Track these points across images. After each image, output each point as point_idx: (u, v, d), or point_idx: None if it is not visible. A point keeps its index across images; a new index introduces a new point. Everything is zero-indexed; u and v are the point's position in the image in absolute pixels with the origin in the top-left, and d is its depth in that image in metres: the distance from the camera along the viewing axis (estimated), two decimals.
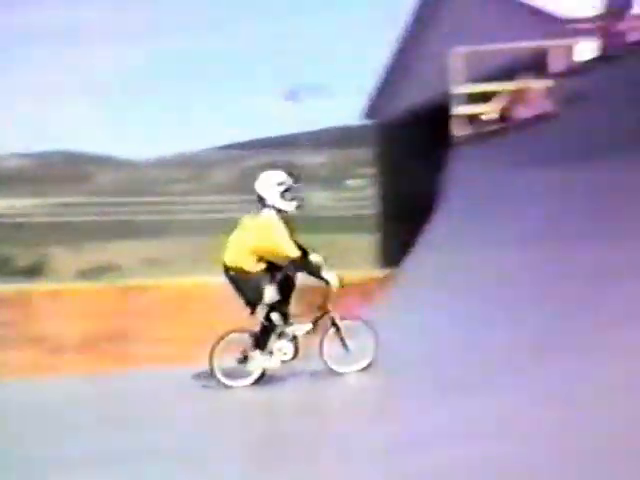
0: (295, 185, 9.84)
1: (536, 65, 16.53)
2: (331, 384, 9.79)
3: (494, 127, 15.96)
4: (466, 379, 8.65)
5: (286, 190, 9.79)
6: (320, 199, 21.87)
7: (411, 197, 18.21)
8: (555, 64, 16.23)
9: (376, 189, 22.12)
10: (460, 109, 16.79)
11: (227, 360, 9.96)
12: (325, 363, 9.98)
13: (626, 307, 8.71)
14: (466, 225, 14.49)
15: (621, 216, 10.95)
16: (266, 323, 9.94)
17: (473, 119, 16.66)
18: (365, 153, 22.37)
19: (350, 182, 22.74)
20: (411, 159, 20.80)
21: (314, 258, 10.02)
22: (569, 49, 16.90)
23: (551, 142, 13.86)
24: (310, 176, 22.68)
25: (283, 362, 10.01)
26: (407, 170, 21.00)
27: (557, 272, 10.78)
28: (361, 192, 22.37)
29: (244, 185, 20.05)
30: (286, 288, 9.98)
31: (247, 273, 9.84)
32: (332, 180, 22.40)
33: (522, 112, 15.43)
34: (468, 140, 16.39)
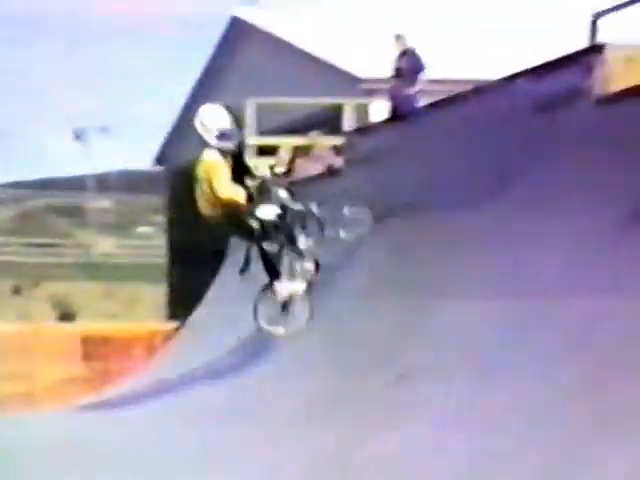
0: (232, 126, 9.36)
1: (329, 122, 16.70)
2: None
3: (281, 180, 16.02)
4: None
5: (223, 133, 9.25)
6: (106, 245, 21.29)
7: (202, 246, 18.01)
8: (348, 122, 16.43)
9: (166, 237, 21.82)
10: (252, 161, 16.71)
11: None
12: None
13: None
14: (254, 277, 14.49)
15: (399, 274, 11.15)
16: (269, 248, 9.25)
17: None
18: (156, 199, 22.03)
19: (139, 229, 22.32)
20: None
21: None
22: (363, 108, 17.16)
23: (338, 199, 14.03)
24: (96, 221, 22.11)
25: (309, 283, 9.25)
26: (198, 218, 20.78)
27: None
28: (150, 240, 21.95)
29: (26, 227, 19.33)
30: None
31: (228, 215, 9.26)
32: (119, 226, 21.92)
33: (310, 167, 15.53)
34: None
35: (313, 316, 9.14)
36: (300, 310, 9.23)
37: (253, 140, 16.73)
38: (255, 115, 16.84)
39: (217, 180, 9.08)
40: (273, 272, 9.28)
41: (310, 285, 9.26)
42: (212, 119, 9.31)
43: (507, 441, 7.71)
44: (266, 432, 9.98)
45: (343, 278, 12.24)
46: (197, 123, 9.25)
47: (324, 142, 15.89)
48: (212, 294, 15.31)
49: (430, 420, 8.66)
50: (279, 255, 9.32)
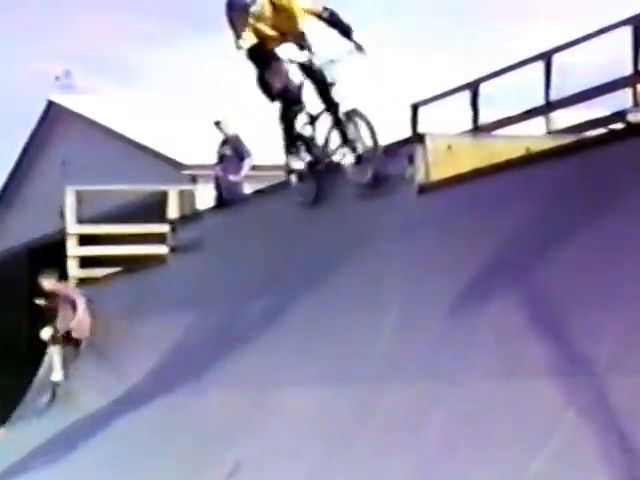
0: None
1: (154, 209, 16.57)
2: None
3: (109, 271, 15.79)
4: None
5: None
6: None
7: (20, 345, 17.57)
8: (173, 209, 16.33)
9: None
10: (73, 250, 16.39)
11: None
12: None
13: None
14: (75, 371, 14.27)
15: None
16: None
17: (86, 261, 16.35)
18: None
19: None
20: (22, 298, 20.09)
21: None
22: (189, 195, 17.11)
23: (163, 287, 13.95)
24: None
25: None
26: (17, 310, 20.31)
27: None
28: None
29: None
30: None
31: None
32: None
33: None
34: (81, 283, 16.06)
35: None
36: None
37: (74, 229, 16.40)
38: (75, 203, 16.53)
39: None
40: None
41: None
42: None
43: None
44: None
45: None
46: None
47: (151, 230, 15.79)
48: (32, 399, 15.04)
49: None
50: None
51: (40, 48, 38.80)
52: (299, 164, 10.86)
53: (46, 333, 14.26)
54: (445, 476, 7.53)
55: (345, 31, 10.00)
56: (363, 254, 10.05)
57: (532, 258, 8.17)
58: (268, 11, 10.01)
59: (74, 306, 13.94)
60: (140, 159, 19.38)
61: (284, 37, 10.15)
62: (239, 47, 10.04)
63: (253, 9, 9.96)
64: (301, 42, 10.16)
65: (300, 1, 10.10)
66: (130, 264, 15.52)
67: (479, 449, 7.45)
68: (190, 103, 20.95)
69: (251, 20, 9.97)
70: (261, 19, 10.00)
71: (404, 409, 8.48)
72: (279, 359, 10.46)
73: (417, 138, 10.39)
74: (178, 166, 18.72)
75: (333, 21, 10.03)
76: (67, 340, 13.97)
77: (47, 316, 14.35)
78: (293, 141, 10.67)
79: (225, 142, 14.79)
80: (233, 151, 14.66)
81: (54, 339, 14.05)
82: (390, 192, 10.07)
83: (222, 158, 14.82)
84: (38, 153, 23.33)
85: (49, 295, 14.19)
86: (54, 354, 14.12)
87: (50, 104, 22.70)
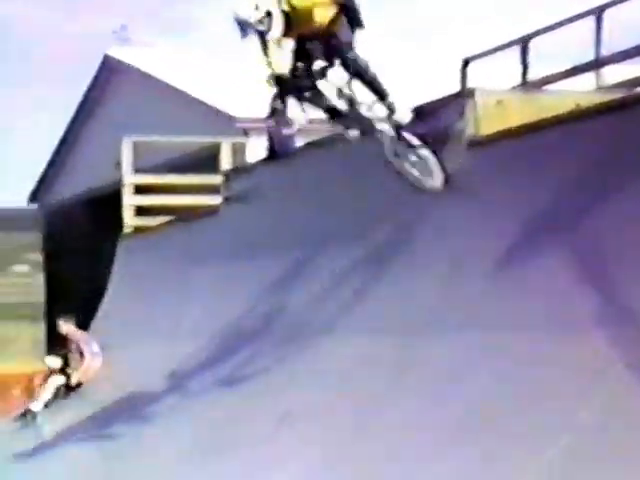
0: None
1: (207, 161, 16.80)
2: None
3: (163, 219, 16.07)
4: None
5: None
6: None
7: (80, 285, 17.95)
8: (226, 161, 16.55)
9: (43, 275, 21.64)
10: (129, 199, 16.75)
11: None
12: None
13: None
14: (132, 316, 14.50)
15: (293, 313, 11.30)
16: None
17: (142, 210, 16.68)
18: (31, 238, 21.83)
19: (15, 267, 22.08)
20: (81, 246, 20.53)
21: None
22: (241, 147, 17.31)
23: (215, 237, 14.14)
24: None
25: None
26: (77, 257, 20.71)
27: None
28: (27, 278, 21.76)
29: None
30: None
31: None
32: None
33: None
34: (137, 231, 16.40)
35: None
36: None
37: (132, 178, 16.77)
38: (131, 154, 16.87)
39: None
40: None
41: None
42: None
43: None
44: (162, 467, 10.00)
45: None
46: None
47: (205, 181, 16.01)
48: (92, 330, 15.27)
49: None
50: None
51: (97, 2, 39.02)
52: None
53: (54, 362, 13.85)
54: (491, 425, 7.64)
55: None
56: (413, 207, 10.14)
57: (581, 212, 8.25)
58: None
59: (82, 355, 13.69)
60: (194, 112, 19.58)
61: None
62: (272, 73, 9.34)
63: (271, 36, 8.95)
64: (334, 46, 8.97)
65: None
66: (184, 214, 15.80)
67: (526, 400, 7.56)
68: (244, 56, 21.06)
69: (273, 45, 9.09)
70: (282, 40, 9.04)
71: (450, 360, 8.60)
72: (329, 308, 10.65)
73: (467, 93, 10.47)
74: (231, 119, 18.91)
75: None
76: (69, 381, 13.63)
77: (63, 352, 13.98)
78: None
79: (278, 96, 14.93)
80: (285, 105, 14.79)
81: (60, 371, 13.59)
82: (440, 146, 10.14)
83: (274, 112, 14.95)
84: (96, 106, 23.65)
85: (65, 337, 14.02)
86: (50, 384, 13.59)
87: (107, 58, 22.99)
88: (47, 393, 13.31)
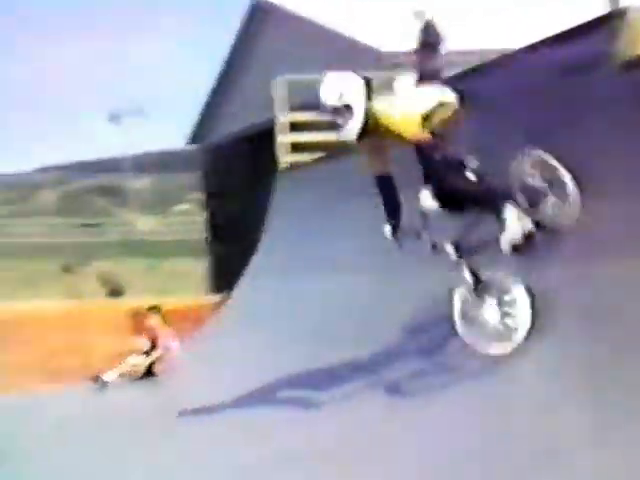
0: None
1: None
2: None
3: (319, 155, 16.38)
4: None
5: None
6: (147, 223, 21.74)
7: (240, 221, 18.49)
8: None
9: (204, 213, 22.32)
10: (284, 137, 17.16)
11: None
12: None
13: None
14: (295, 251, 14.81)
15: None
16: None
17: (296, 147, 17.07)
18: (191, 177, 22.52)
19: (177, 206, 22.80)
20: (239, 184, 21.07)
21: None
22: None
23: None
24: (136, 200, 22.55)
25: None
26: (235, 195, 21.26)
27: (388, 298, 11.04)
28: (189, 216, 22.47)
29: (70, 208, 19.78)
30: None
31: None
32: (158, 204, 22.31)
33: None
34: (292, 167, 16.79)
35: None
36: None
37: (285, 117, 17.15)
38: (285, 93, 17.25)
39: None
40: None
41: None
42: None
43: None
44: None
45: None
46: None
47: None
48: (255, 266, 15.74)
49: None
50: None
51: None
52: None
53: (142, 342, 14.30)
54: None
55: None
56: (566, 133, 10.08)
57: None
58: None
59: (154, 347, 14.18)
60: (343, 48, 19.82)
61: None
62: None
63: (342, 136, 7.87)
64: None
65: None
66: (336, 150, 16.07)
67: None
68: None
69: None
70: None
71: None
72: None
73: (619, 13, 10.26)
74: (378, 54, 19.08)
75: None
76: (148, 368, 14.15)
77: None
78: None
79: (423, 29, 15.04)
80: (431, 38, 14.90)
81: (144, 352, 14.11)
82: (591, 70, 9.97)
83: (421, 45, 15.08)
84: (248, 46, 24.13)
85: (150, 328, 14.51)
86: (130, 361, 14.05)
87: None
88: (122, 367, 13.95)
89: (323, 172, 15.46)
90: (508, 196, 7.30)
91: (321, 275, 13.16)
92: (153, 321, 14.41)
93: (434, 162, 7.38)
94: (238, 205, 20.29)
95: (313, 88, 18.82)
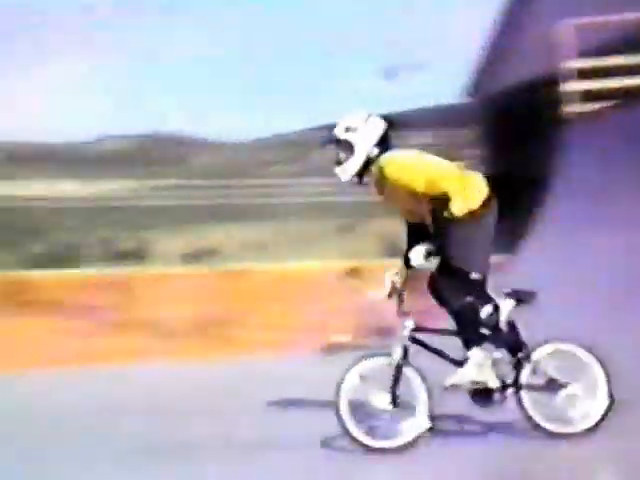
0: None
1: None
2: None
3: (612, 103, 15.42)
4: None
5: None
6: None
7: (520, 178, 17.80)
8: None
9: (484, 169, 21.80)
10: (571, 85, 16.28)
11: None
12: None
13: None
14: (575, 209, 14.15)
15: None
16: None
17: (585, 96, 16.15)
18: (469, 133, 22.02)
19: (458, 163, 22.58)
20: (519, 138, 20.38)
21: None
22: None
23: None
24: None
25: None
26: (515, 150, 20.62)
27: None
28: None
29: None
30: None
31: None
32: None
33: None
34: (581, 118, 15.89)
35: None
36: None
37: (573, 63, 16.29)
38: (572, 37, 16.37)
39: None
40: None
41: None
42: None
43: None
44: None
45: None
46: None
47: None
48: (533, 230, 15.14)
49: None
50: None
51: None
52: None
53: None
54: None
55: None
56: None
57: None
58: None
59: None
60: None
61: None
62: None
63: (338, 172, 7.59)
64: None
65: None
66: (629, 98, 15.11)
67: None
68: None
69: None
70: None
71: None
72: None
73: None
74: None
75: None
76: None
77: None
78: None
79: None
80: None
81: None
82: None
83: None
84: None
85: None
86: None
87: None
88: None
89: (615, 122, 14.56)
90: (486, 338, 7.01)
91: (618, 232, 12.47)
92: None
93: (444, 234, 7.26)
94: (518, 160, 19.64)
95: (601, 31, 17.81)
